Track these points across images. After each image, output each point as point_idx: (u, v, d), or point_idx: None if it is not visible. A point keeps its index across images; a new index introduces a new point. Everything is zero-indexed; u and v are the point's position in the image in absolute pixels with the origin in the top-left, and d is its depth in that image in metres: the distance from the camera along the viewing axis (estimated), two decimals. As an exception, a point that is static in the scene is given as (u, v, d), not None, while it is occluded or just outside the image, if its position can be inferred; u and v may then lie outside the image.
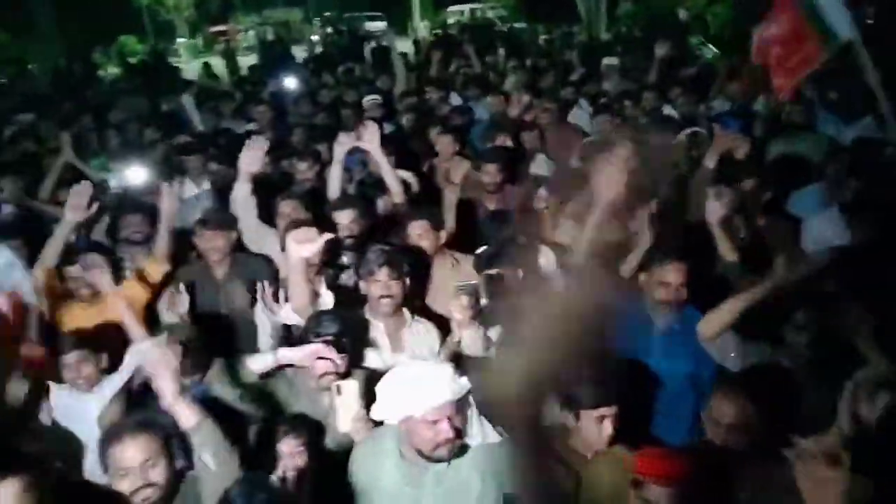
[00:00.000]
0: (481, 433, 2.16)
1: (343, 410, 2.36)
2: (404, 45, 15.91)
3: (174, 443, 2.13)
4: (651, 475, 2.08)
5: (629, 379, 2.65)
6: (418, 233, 3.49)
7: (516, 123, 5.62)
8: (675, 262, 2.90)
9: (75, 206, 3.48)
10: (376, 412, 2.16)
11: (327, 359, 2.44)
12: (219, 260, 3.65)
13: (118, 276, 3.57)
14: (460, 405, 2.09)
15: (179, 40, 28.87)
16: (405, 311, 3.10)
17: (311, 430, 2.41)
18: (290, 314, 3.08)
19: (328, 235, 2.94)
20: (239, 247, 3.78)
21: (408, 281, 3.08)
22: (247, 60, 15.18)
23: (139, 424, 2.14)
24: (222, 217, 3.74)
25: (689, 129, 4.71)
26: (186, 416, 2.08)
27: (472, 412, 2.16)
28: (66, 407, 2.97)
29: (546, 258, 3.58)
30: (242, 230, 3.79)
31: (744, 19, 9.80)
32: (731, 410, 2.29)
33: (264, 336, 3.19)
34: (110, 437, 2.11)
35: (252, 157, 3.75)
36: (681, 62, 8.07)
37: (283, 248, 3.36)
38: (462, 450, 2.14)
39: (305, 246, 2.80)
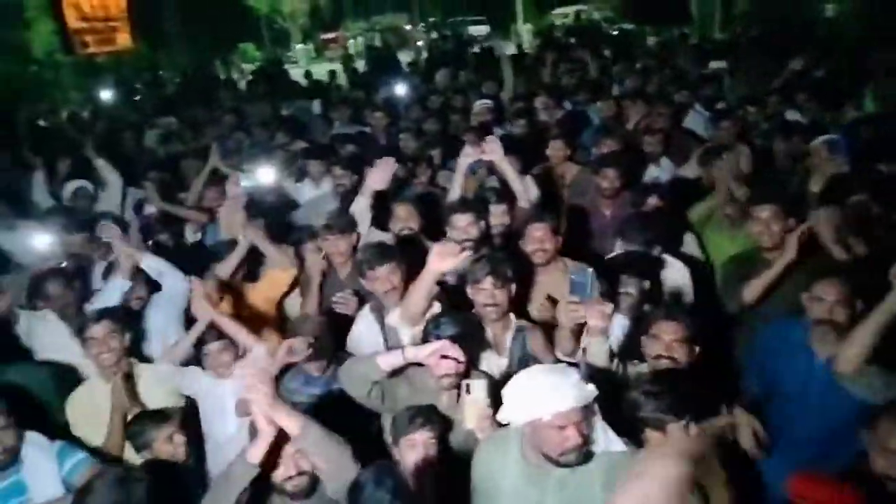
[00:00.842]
0: (605, 441, 2.17)
1: (470, 408, 2.42)
2: (508, 49, 16.03)
3: None
4: (808, 499, 2.01)
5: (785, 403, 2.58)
6: (539, 235, 3.50)
7: (635, 129, 5.57)
8: (833, 277, 2.77)
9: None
10: (503, 415, 2.18)
11: (451, 358, 2.50)
12: (342, 262, 3.84)
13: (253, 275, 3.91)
14: (587, 412, 2.11)
15: (298, 46, 30.26)
16: (510, 315, 3.13)
17: (443, 424, 2.50)
18: (393, 318, 3.20)
19: (468, 253, 2.97)
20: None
21: (513, 287, 3.10)
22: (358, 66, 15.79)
23: None
24: (345, 221, 3.91)
25: (825, 137, 4.47)
26: (288, 425, 2.14)
27: (597, 419, 2.18)
28: (206, 390, 3.28)
29: (674, 270, 3.58)
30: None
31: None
32: None
33: (369, 336, 3.32)
34: None
35: (380, 176, 3.91)
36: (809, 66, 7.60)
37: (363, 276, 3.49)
38: (587, 456, 2.15)
39: (448, 260, 2.82)
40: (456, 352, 2.47)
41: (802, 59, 6.55)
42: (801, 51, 6.90)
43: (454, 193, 4.16)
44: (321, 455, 2.16)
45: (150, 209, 5.12)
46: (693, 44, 13.29)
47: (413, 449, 2.40)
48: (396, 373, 2.75)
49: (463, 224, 3.66)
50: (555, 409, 2.05)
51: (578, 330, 2.72)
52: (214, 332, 3.24)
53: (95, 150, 5.65)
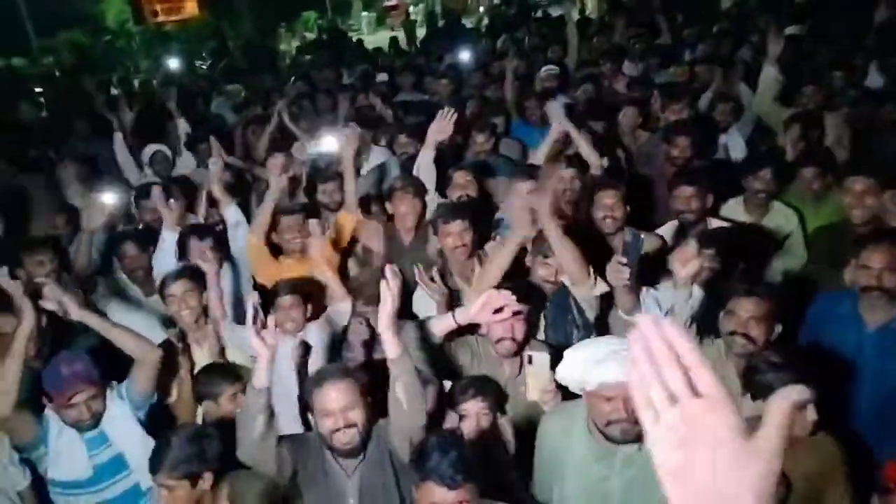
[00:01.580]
0: None
1: (533, 380, 2.39)
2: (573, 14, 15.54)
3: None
4: None
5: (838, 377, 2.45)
6: (609, 202, 3.43)
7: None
8: (878, 244, 2.68)
9: (276, 172, 3.80)
10: (559, 376, 2.17)
11: (501, 309, 2.42)
12: (410, 226, 3.82)
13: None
14: None
15: (362, 14, 30.27)
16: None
17: (497, 393, 2.48)
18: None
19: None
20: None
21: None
22: (421, 33, 15.66)
23: (341, 371, 2.32)
24: (419, 184, 3.89)
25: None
26: (392, 344, 2.15)
27: None
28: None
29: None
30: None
31: None
32: None
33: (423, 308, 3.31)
34: (316, 381, 2.29)
35: (441, 127, 3.88)
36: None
37: (434, 233, 3.49)
38: (640, 435, 2.08)
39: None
40: (503, 298, 2.40)
41: (888, 9, 6.00)
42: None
43: (538, 158, 4.07)
44: (407, 386, 2.15)
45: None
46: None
47: (467, 419, 2.39)
48: (458, 341, 2.74)
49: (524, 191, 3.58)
50: (601, 379, 2.01)
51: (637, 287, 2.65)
52: (286, 287, 3.27)
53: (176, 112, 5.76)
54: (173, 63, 11.98)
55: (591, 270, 2.88)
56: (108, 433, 2.80)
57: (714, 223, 3.60)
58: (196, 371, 3.09)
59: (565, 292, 3.00)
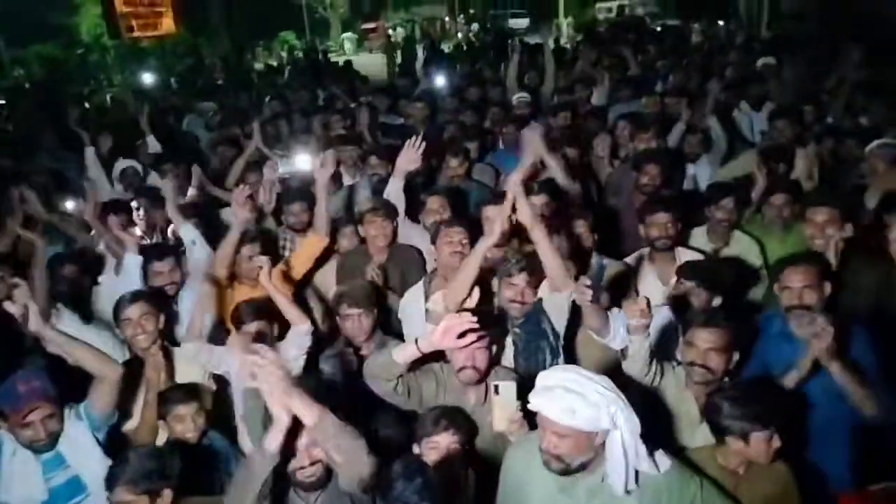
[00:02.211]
0: (652, 465, 2.07)
1: (500, 410, 2.36)
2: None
3: None
4: None
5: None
6: (580, 231, 3.52)
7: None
8: (796, 265, 2.85)
9: (241, 203, 3.71)
10: (530, 405, 2.13)
11: (463, 333, 2.38)
12: (382, 247, 3.81)
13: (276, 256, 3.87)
14: (572, 433, 2.00)
15: (344, 35, 30.50)
16: None
17: (469, 426, 2.46)
18: (435, 303, 3.17)
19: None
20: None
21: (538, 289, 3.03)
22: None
23: None
24: (391, 206, 3.89)
25: (880, 141, 4.26)
26: (305, 414, 2.02)
27: (625, 461, 2.04)
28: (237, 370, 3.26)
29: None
30: None
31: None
32: None
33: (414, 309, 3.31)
34: None
35: (410, 156, 3.88)
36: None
37: (432, 242, 3.51)
38: (568, 471, 2.07)
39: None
40: (464, 323, 2.34)
41: (858, 52, 6.20)
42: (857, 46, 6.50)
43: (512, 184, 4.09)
44: (336, 446, 2.07)
45: (192, 192, 5.17)
46: (741, 41, 12.95)
47: (435, 450, 2.36)
48: (423, 370, 2.71)
49: (493, 214, 3.60)
50: (536, 408, 2.02)
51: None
52: (251, 309, 3.22)
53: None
54: (147, 79, 11.87)
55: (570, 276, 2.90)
56: (65, 454, 2.71)
57: (682, 252, 3.67)
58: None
59: (538, 313, 2.99)
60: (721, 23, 16.87)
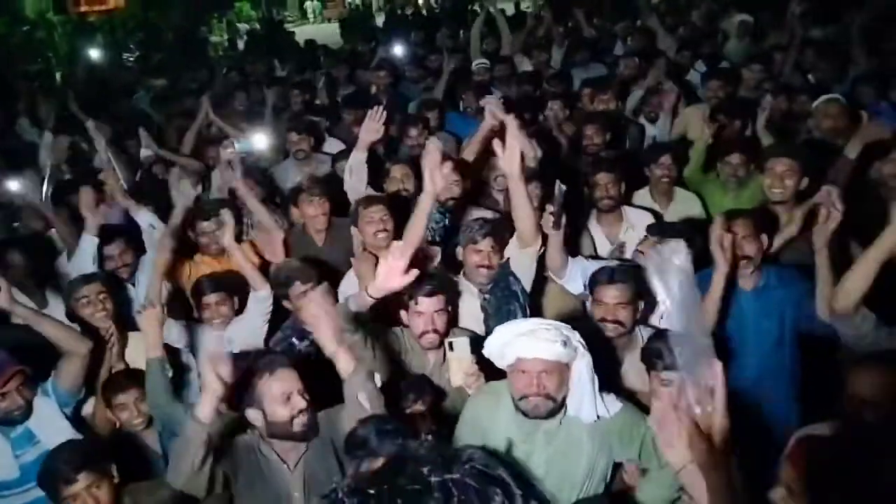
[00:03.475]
0: (603, 408, 2.18)
1: (456, 364, 2.42)
2: (507, 7, 15.70)
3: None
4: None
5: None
6: (605, 183, 3.62)
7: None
8: (734, 219, 2.92)
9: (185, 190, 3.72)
10: (486, 348, 2.25)
11: (407, 271, 2.36)
12: (322, 228, 3.81)
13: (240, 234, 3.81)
14: (556, 368, 2.12)
15: (308, 3, 29.73)
16: None
17: (434, 394, 2.53)
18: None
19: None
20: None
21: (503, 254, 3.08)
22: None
23: (288, 359, 2.33)
24: (323, 183, 3.92)
25: (826, 96, 4.35)
26: (345, 362, 2.19)
27: (583, 383, 2.17)
28: (202, 342, 3.28)
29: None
30: (351, 195, 3.92)
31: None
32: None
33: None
34: (267, 367, 2.23)
35: (372, 127, 3.84)
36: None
37: (353, 224, 3.49)
38: (552, 412, 2.19)
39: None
40: (404, 259, 2.34)
41: (800, 5, 6.28)
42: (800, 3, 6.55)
43: (469, 151, 4.08)
44: (367, 397, 2.16)
45: (145, 154, 5.08)
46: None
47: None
48: (385, 333, 2.75)
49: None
50: (519, 353, 2.11)
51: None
52: (211, 282, 3.24)
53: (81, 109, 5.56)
54: (95, 55, 11.47)
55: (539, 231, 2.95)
56: (34, 431, 2.73)
57: (628, 210, 3.74)
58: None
59: (506, 275, 3.03)
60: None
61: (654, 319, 2.99)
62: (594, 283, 2.81)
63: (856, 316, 2.43)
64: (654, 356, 2.39)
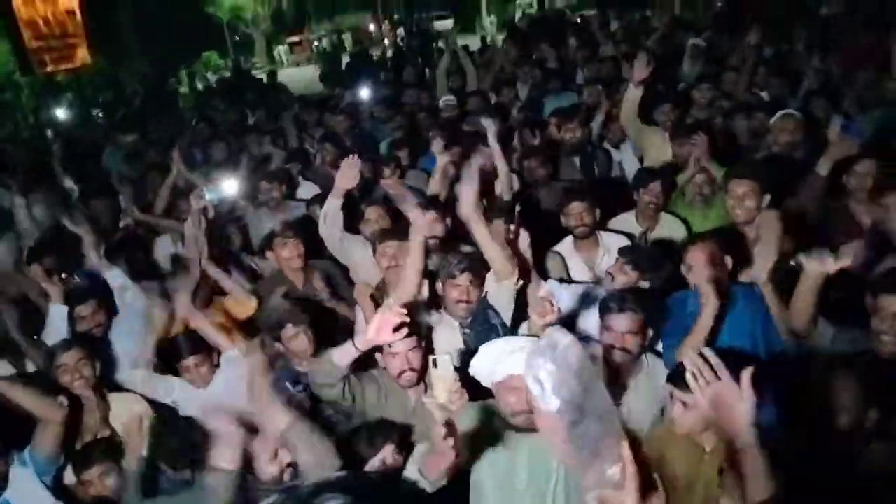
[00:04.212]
0: None
1: (440, 383, 2.42)
2: (473, 42, 16.03)
3: None
4: None
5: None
6: (579, 212, 3.71)
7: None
8: (695, 244, 3.03)
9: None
10: (472, 366, 2.28)
11: (396, 326, 2.40)
12: (298, 268, 3.87)
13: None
14: None
15: (280, 48, 30.17)
16: None
17: (403, 430, 2.54)
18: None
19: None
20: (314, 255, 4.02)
21: (483, 288, 3.12)
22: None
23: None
24: (295, 226, 4.02)
25: (783, 112, 4.50)
26: (279, 419, 2.15)
27: None
28: (184, 399, 3.28)
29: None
30: (327, 241, 3.98)
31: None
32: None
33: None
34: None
35: (349, 175, 3.89)
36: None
37: (374, 253, 3.55)
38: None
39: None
40: (397, 316, 2.37)
41: (757, 34, 6.54)
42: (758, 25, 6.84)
43: (433, 185, 4.18)
44: (308, 451, 2.14)
45: (125, 221, 5.07)
46: (655, 27, 13.35)
47: (382, 463, 2.45)
48: (364, 376, 2.76)
49: (430, 220, 3.67)
50: (510, 370, 2.15)
51: None
52: (189, 344, 3.23)
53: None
54: (62, 115, 11.45)
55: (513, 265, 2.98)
56: (13, 502, 2.68)
57: (604, 235, 3.81)
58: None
59: (485, 309, 3.06)
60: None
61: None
62: (605, 309, 2.80)
63: (813, 331, 2.51)
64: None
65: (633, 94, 4.89)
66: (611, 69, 7.27)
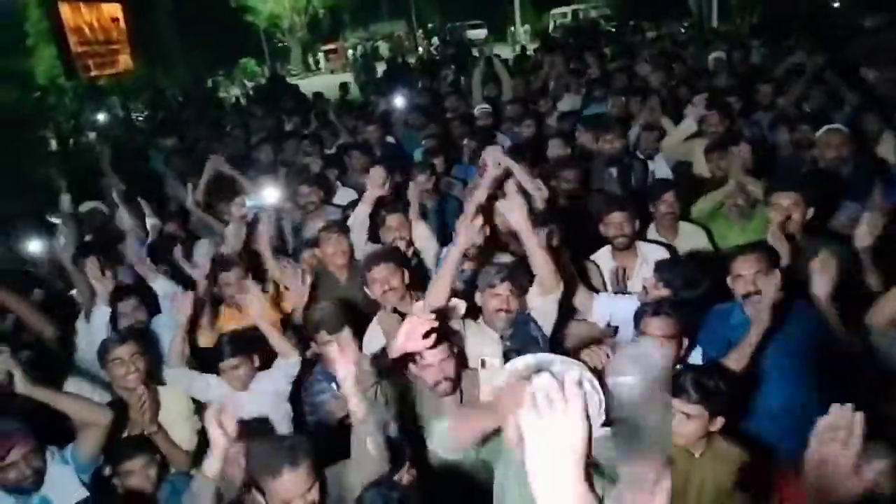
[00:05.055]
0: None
1: (486, 385, 2.40)
2: (505, 52, 16.07)
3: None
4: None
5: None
6: (619, 222, 3.67)
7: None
8: (745, 254, 2.97)
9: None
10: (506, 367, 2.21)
11: (425, 331, 2.37)
12: (343, 264, 3.88)
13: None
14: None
15: (321, 54, 30.75)
16: None
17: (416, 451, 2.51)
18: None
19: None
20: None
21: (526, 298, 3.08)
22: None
23: (297, 453, 2.15)
24: (341, 223, 4.06)
25: (829, 126, 4.39)
26: (358, 406, 2.20)
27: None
28: (219, 399, 3.25)
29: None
30: (355, 247, 4.02)
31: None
32: None
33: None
34: (271, 469, 2.13)
35: (377, 183, 3.95)
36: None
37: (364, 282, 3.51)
38: None
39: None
40: (426, 323, 2.34)
41: (804, 52, 6.43)
42: (802, 41, 6.75)
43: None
44: (375, 443, 2.18)
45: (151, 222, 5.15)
46: (691, 35, 13.26)
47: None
48: (399, 382, 2.75)
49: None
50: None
51: None
52: (231, 345, 3.23)
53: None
54: (106, 118, 11.75)
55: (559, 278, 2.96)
56: (51, 499, 2.72)
57: (642, 245, 3.78)
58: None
59: (526, 320, 3.02)
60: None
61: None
62: (640, 314, 2.79)
63: (892, 331, 2.48)
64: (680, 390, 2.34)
65: (687, 127, 4.93)
66: (644, 80, 7.22)
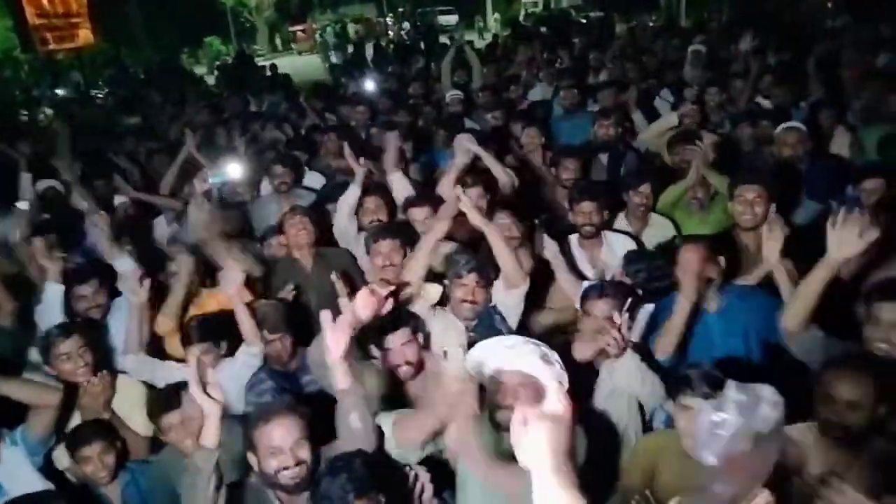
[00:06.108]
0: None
1: (448, 374, 2.40)
2: (476, 39, 16.02)
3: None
4: None
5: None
6: (588, 211, 3.70)
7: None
8: (688, 245, 2.99)
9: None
10: (467, 357, 2.25)
11: (376, 297, 2.30)
12: (306, 244, 3.82)
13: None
14: (533, 384, 2.12)
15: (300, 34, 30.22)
16: None
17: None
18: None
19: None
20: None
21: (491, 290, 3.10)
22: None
23: (288, 407, 2.23)
24: (304, 207, 4.00)
25: (786, 124, 4.47)
26: (343, 376, 2.15)
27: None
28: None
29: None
30: (344, 233, 4.03)
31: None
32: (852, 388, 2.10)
33: None
34: (262, 417, 2.18)
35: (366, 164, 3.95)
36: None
37: (367, 252, 3.56)
38: None
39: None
40: (377, 293, 2.29)
41: (751, 39, 6.54)
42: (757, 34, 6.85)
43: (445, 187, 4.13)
44: (360, 417, 2.16)
45: (120, 200, 5.04)
46: (660, 28, 13.37)
47: None
48: (364, 366, 2.72)
49: (421, 217, 3.74)
50: (499, 365, 2.15)
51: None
52: (197, 333, 3.14)
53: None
54: (65, 93, 11.38)
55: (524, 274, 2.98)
56: (2, 482, 2.66)
57: (609, 235, 3.84)
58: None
59: (491, 312, 3.05)
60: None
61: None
62: (585, 296, 2.83)
63: (805, 334, 2.50)
64: (682, 384, 2.33)
65: (669, 122, 4.99)
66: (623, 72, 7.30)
